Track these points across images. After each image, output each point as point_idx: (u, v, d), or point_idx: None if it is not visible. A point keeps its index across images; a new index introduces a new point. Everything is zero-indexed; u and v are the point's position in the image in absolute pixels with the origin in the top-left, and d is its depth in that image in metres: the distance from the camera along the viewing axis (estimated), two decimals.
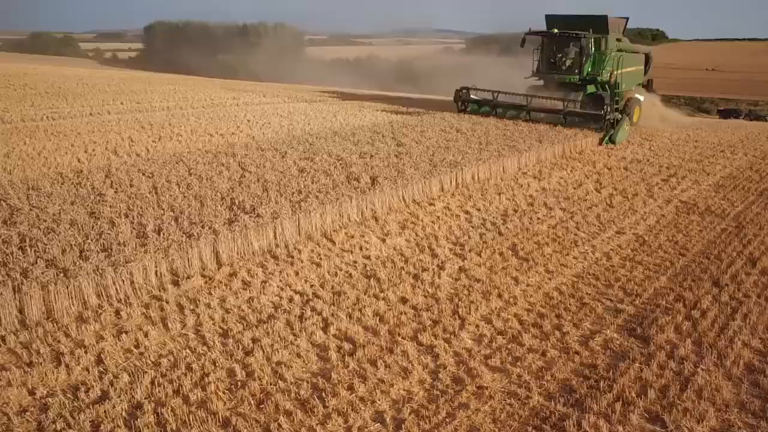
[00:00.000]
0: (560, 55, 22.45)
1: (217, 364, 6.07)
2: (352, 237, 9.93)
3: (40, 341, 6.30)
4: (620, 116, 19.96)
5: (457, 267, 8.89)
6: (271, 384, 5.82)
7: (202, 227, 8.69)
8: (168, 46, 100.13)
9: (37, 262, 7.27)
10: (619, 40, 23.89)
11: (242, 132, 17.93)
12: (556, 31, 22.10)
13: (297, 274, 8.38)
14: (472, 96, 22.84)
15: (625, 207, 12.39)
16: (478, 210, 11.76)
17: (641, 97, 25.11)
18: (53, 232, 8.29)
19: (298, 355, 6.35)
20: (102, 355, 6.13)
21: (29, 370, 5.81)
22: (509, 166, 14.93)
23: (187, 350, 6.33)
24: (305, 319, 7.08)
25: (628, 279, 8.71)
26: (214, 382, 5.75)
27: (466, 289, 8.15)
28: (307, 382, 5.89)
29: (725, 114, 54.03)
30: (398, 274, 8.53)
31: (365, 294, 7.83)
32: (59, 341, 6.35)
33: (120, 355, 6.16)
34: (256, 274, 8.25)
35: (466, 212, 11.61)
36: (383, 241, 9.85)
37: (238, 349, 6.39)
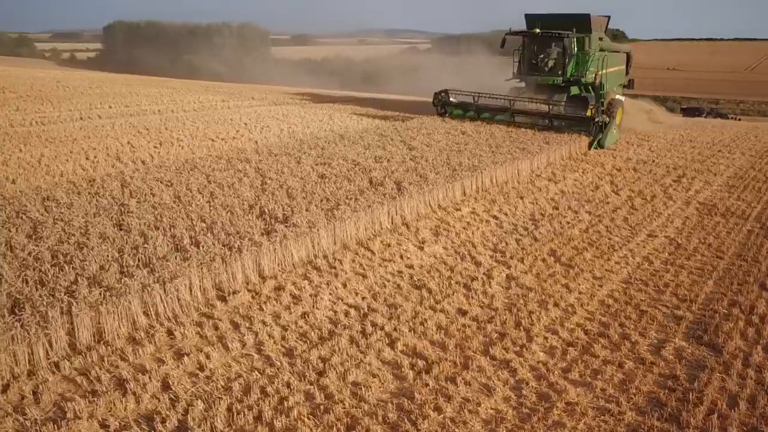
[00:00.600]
0: (542, 55, 21.45)
1: (291, 387, 5.74)
2: (389, 245, 9.65)
3: (98, 367, 5.87)
4: (608, 119, 19.13)
5: (505, 275, 8.68)
6: (354, 407, 5.52)
7: (240, 238, 8.30)
8: (128, 46, 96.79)
9: (77, 281, 6.81)
10: (601, 39, 23.25)
11: (243, 136, 17.47)
12: (537, 30, 21.12)
13: (345, 286, 8.06)
14: (451, 99, 21.80)
15: (647, 209, 12.36)
16: (506, 215, 11.58)
17: (622, 98, 24.64)
18: (85, 246, 7.81)
19: (373, 375, 6.05)
20: (167, 381, 5.73)
21: (94, 399, 5.39)
22: (523, 168, 14.81)
23: (256, 372, 5.97)
24: (368, 335, 6.78)
25: (677, 284, 8.61)
26: (296, 407, 5.42)
27: (520, 298, 7.94)
28: (391, 403, 5.60)
29: (689, 112, 55.05)
30: (447, 284, 8.28)
31: (421, 306, 7.56)
32: (118, 366, 5.93)
33: (186, 379, 5.78)
34: (303, 287, 7.91)
35: (495, 217, 11.42)
36: (421, 248, 9.59)
37: (309, 369, 6.06)
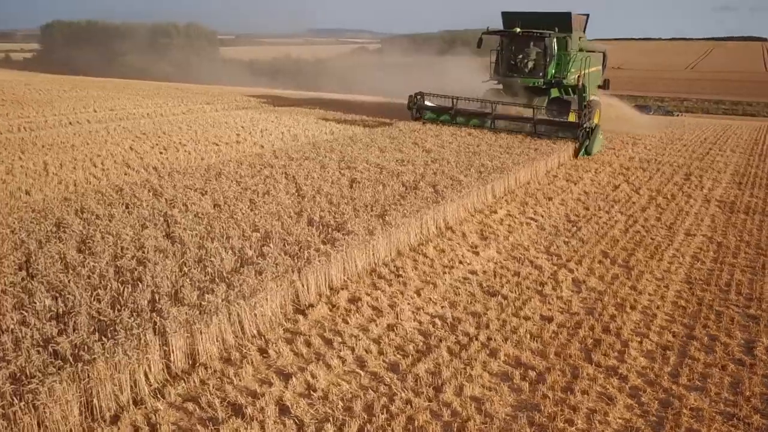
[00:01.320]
0: (521, 56, 20.45)
1: (414, 405, 5.48)
2: (443, 251, 9.46)
3: (206, 392, 5.49)
4: (595, 125, 17.99)
5: (570, 279, 8.60)
6: (484, 423, 5.31)
7: (305, 248, 7.95)
8: (68, 47, 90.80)
9: (155, 299, 6.38)
10: (580, 38, 22.24)
11: (246, 141, 17.00)
12: (518, 30, 19.87)
13: (419, 295, 7.83)
14: (427, 102, 20.44)
15: (673, 208, 12.54)
16: (542, 216, 11.55)
17: (598, 99, 23.13)
18: (147, 261, 7.35)
19: (488, 388, 5.86)
20: (284, 404, 5.40)
21: (216, 428, 5.02)
22: (540, 169, 14.85)
23: (370, 390, 5.69)
24: (466, 347, 6.57)
25: (737, 283, 8.71)
26: (428, 426, 5.18)
27: (596, 302, 7.87)
28: (519, 418, 5.41)
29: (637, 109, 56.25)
30: (519, 289, 8.14)
31: (504, 314, 7.40)
32: (224, 390, 5.56)
33: (302, 402, 5.46)
34: (378, 298, 7.65)
35: (532, 219, 11.36)
36: (476, 254, 9.44)
37: (422, 385, 5.81)
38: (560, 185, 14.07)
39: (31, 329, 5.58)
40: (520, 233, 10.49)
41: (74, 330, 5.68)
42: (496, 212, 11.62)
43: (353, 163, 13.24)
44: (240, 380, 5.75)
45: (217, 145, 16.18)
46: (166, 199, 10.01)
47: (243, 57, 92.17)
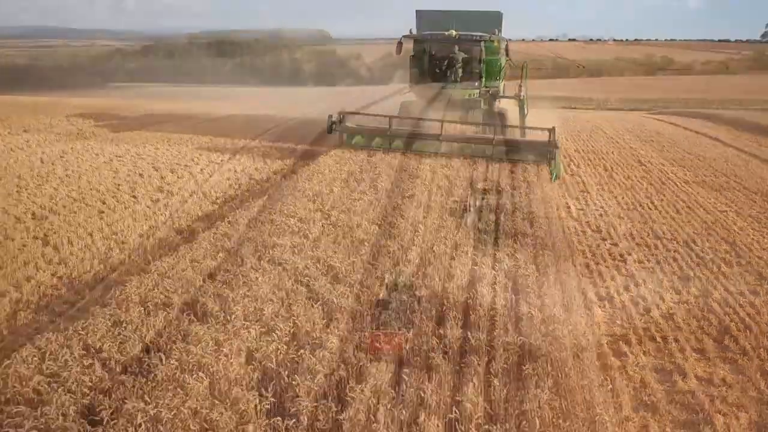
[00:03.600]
0: (447, 62, 17.49)
1: None
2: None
3: None
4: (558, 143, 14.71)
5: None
6: None
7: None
8: None
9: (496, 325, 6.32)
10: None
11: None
12: (454, 33, 17.06)
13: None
14: (348, 124, 16.09)
15: (675, 191, 14.75)
16: (604, 206, 12.93)
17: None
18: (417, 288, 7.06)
19: None
20: None
21: None
22: None
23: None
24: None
25: None
26: None
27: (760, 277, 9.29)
28: None
29: None
30: (698, 270, 9.31)
31: (730, 292, 8.50)
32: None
33: None
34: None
35: (602, 210, 12.67)
36: (615, 245, 10.47)
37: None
38: (572, 179, 15.68)
39: None
40: (616, 224, 11.69)
41: None
42: (569, 207, 12.75)
43: (414, 172, 13.29)
44: None
45: (218, 164, 14.96)
46: (323, 224, 9.32)
47: None
